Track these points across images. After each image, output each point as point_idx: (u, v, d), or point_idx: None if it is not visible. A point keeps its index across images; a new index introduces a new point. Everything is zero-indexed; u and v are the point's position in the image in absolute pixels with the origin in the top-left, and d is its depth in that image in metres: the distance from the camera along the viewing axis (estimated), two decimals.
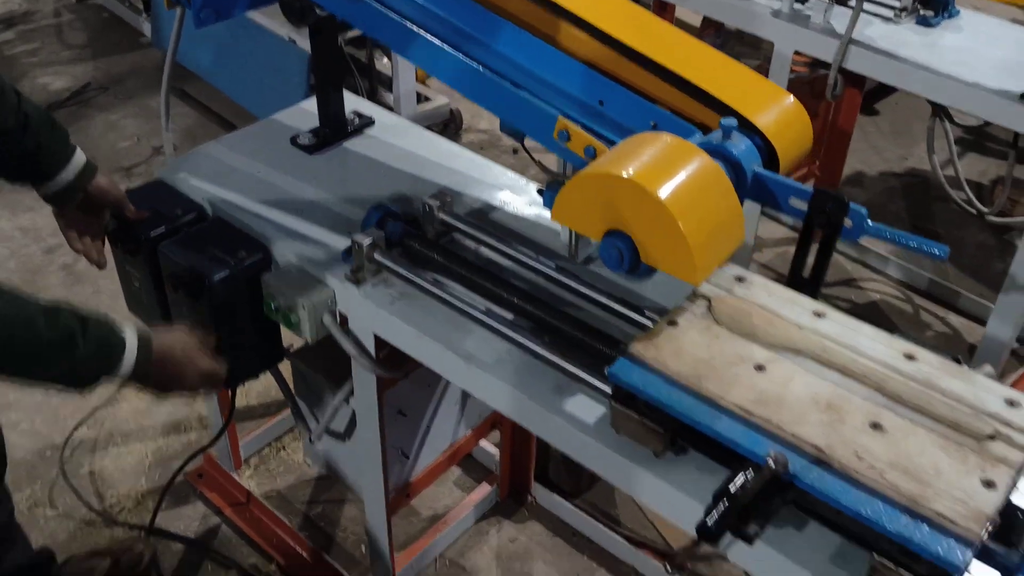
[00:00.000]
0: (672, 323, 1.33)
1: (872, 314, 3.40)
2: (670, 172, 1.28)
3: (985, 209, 3.41)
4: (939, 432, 1.16)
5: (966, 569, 1.05)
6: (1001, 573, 1.10)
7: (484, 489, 2.58)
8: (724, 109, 1.51)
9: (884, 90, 4.73)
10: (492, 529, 2.54)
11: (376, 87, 4.08)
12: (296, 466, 2.70)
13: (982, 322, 3.15)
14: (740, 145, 1.45)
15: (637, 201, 1.26)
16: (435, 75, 1.67)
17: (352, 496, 2.61)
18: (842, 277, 3.55)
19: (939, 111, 3.24)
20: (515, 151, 4.16)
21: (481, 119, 4.48)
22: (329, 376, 1.99)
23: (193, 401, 2.88)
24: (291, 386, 2.14)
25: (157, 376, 1.57)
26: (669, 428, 1.27)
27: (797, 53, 2.98)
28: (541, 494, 2.60)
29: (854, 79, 3.14)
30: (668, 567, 1.13)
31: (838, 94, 2.98)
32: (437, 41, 1.62)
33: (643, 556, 2.42)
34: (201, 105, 4.42)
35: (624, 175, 1.26)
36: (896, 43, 2.77)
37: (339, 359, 2.02)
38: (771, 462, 1.04)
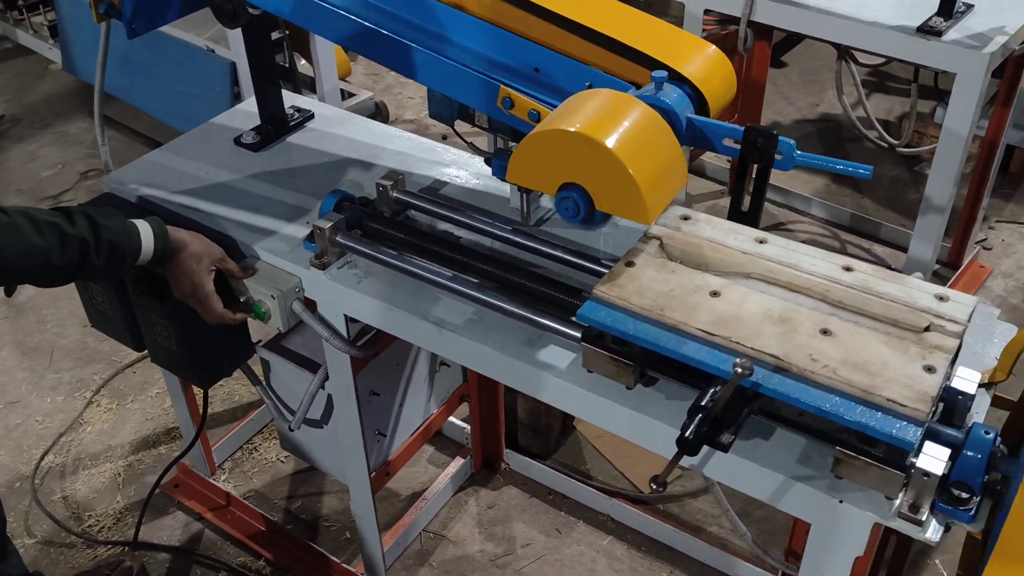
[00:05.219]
0: (630, 264, 1.43)
1: None
2: (614, 122, 1.37)
3: (895, 142, 3.61)
4: (881, 330, 1.28)
5: (918, 445, 1.17)
6: (951, 450, 1.23)
7: (458, 462, 2.66)
8: (653, 63, 1.61)
9: (790, 42, 4.93)
10: (470, 499, 2.62)
11: (300, 89, 4.09)
12: (270, 465, 2.73)
13: (904, 249, 3.34)
14: (672, 95, 1.55)
15: (587, 152, 1.35)
16: (377, 60, 1.73)
17: (329, 487, 2.66)
18: (771, 222, 3.72)
19: (844, 54, 3.42)
20: (445, 137, 4.22)
21: (407, 109, 4.53)
22: (300, 364, 2.04)
23: (158, 415, 2.89)
24: (262, 380, 2.18)
25: (171, 269, 1.71)
26: (638, 360, 1.36)
27: (707, 12, 3.12)
28: (513, 460, 2.69)
29: (762, 32, 3.28)
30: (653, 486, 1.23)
31: (749, 47, 3.12)
32: (377, 28, 1.69)
33: (617, 504, 2.53)
34: (124, 127, 4.36)
35: (572, 129, 1.35)
36: None
37: (310, 346, 2.08)
38: (738, 369, 1.14)
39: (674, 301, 1.34)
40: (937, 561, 2.44)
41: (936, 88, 3.90)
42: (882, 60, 3.93)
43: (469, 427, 2.65)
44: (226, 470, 2.71)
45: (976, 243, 3.52)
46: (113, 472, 2.72)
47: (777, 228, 3.70)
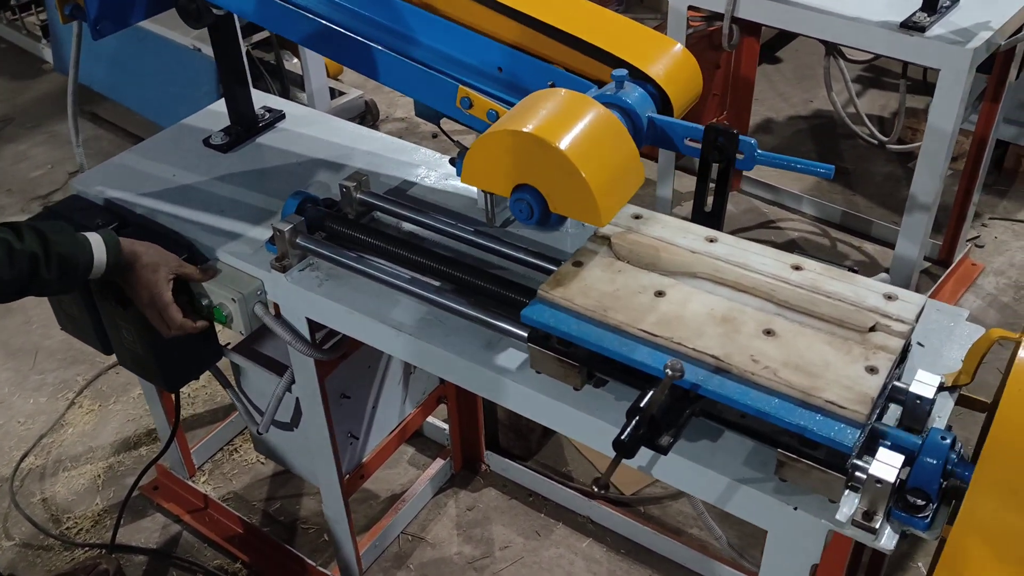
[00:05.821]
0: (577, 264, 1.41)
1: (792, 250, 3.53)
2: (567, 123, 1.35)
3: (885, 139, 3.57)
4: (826, 330, 1.26)
5: (857, 447, 1.15)
6: (905, 456, 1.20)
7: (438, 464, 2.64)
8: (616, 62, 1.59)
9: (784, 38, 4.89)
10: (450, 501, 2.61)
11: (288, 87, 4.09)
12: (250, 466, 2.73)
13: (895, 246, 3.31)
14: (633, 94, 1.53)
15: (539, 153, 1.34)
16: (339, 61, 1.73)
17: (308, 489, 2.65)
18: (760, 220, 3.69)
19: (832, 50, 3.39)
20: (434, 136, 4.21)
21: (398, 108, 4.52)
22: (269, 367, 2.03)
23: (140, 417, 2.89)
24: (233, 383, 2.18)
25: (128, 280, 1.71)
26: (583, 362, 1.35)
27: (692, 8, 3.09)
28: (494, 461, 2.67)
29: (749, 27, 3.26)
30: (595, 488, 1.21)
31: (735, 43, 3.09)
32: (337, 28, 1.68)
33: (597, 506, 2.51)
34: (114, 126, 4.38)
35: (524, 130, 1.33)
36: None
37: (277, 349, 2.07)
38: (668, 371, 1.12)
39: (618, 302, 1.32)
40: (920, 564, 2.41)
41: (925, 83, 3.86)
42: (873, 55, 3.89)
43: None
44: (206, 472, 2.71)
45: (968, 240, 3.48)
46: (93, 474, 2.72)
47: (767, 226, 3.67)
